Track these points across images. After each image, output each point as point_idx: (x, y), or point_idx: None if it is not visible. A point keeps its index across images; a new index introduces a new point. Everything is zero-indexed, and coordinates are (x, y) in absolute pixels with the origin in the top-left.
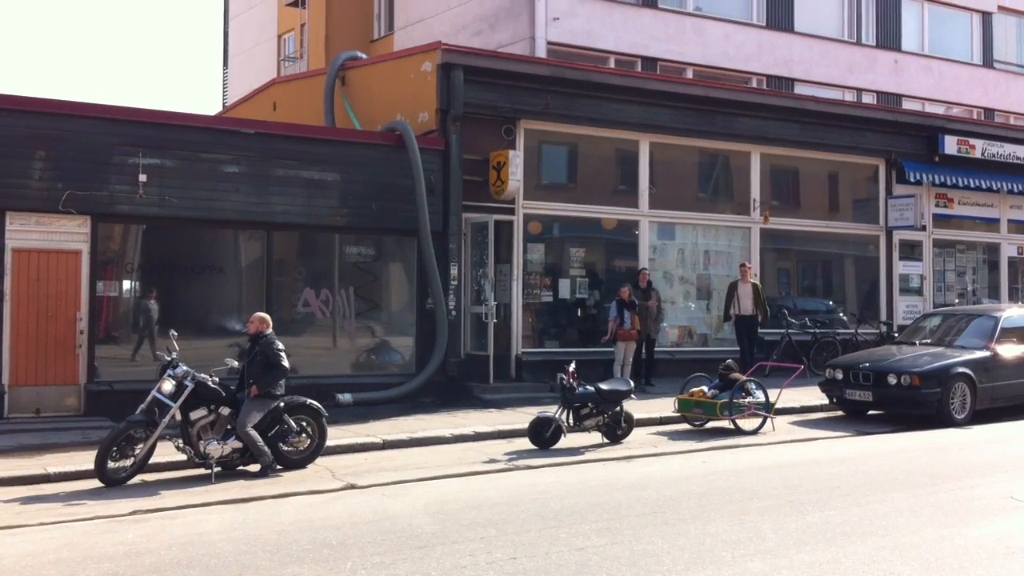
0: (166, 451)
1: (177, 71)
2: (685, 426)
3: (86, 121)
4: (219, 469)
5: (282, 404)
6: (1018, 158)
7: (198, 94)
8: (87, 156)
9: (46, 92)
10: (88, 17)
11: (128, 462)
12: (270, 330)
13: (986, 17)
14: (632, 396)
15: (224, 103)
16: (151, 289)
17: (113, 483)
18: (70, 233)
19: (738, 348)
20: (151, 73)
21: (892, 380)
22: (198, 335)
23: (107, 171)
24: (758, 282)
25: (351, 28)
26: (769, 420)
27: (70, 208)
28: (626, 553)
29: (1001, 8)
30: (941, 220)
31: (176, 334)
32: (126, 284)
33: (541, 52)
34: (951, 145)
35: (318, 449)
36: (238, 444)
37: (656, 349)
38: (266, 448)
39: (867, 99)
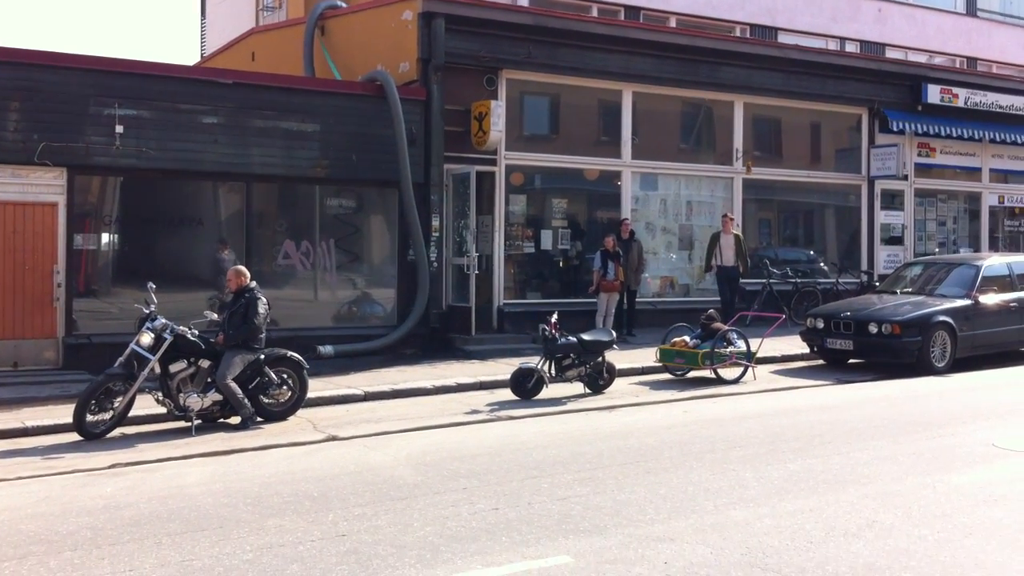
0: (146, 404)
1: (154, 21)
2: (667, 376)
3: (61, 72)
4: (199, 422)
5: (263, 356)
6: (1000, 107)
7: (176, 45)
8: (62, 107)
9: (20, 42)
10: None
11: (107, 415)
12: (253, 283)
13: None
14: (614, 346)
15: (202, 54)
16: (224, 240)
17: (92, 436)
18: (46, 185)
19: (720, 299)
20: (128, 23)
21: (873, 329)
22: (177, 288)
23: (83, 122)
24: (740, 233)
25: None
26: (750, 369)
27: (46, 160)
28: (609, 503)
29: None
30: (923, 169)
31: (154, 286)
32: (104, 237)
33: (523, 1)
34: (934, 94)
35: (299, 401)
36: (218, 397)
37: (638, 300)
38: (246, 400)
39: (850, 48)
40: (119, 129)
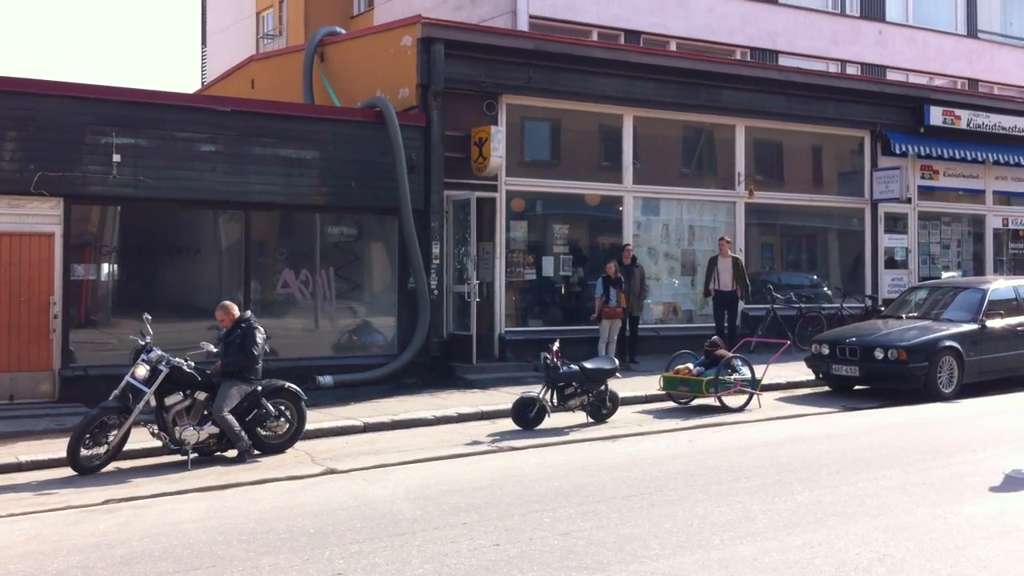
0: (141, 437)
1: (155, 50)
2: (670, 404)
3: (58, 100)
4: (195, 455)
5: (260, 388)
6: (1003, 128)
7: (176, 73)
8: (59, 136)
9: (17, 70)
10: None
11: (102, 449)
12: (248, 312)
13: None
14: (617, 374)
15: (203, 82)
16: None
17: (86, 471)
18: (43, 215)
19: (714, 325)
20: (128, 52)
21: (879, 355)
22: (176, 318)
23: (80, 151)
24: (739, 256)
25: (330, 4)
26: (755, 397)
27: (42, 190)
28: (612, 537)
29: None
30: (926, 192)
31: (150, 317)
32: (102, 267)
33: (523, 26)
34: (936, 116)
35: (297, 433)
36: (215, 429)
37: (641, 326)
38: (243, 433)
39: (851, 71)
40: (116, 158)
